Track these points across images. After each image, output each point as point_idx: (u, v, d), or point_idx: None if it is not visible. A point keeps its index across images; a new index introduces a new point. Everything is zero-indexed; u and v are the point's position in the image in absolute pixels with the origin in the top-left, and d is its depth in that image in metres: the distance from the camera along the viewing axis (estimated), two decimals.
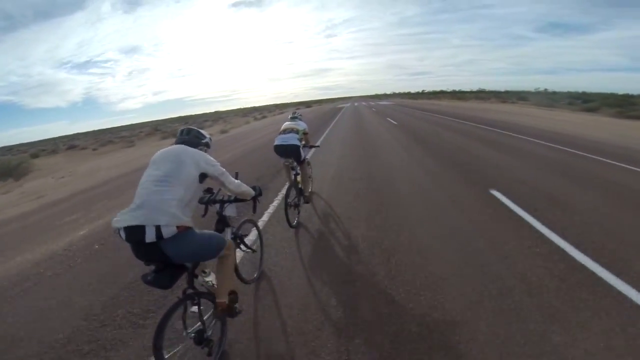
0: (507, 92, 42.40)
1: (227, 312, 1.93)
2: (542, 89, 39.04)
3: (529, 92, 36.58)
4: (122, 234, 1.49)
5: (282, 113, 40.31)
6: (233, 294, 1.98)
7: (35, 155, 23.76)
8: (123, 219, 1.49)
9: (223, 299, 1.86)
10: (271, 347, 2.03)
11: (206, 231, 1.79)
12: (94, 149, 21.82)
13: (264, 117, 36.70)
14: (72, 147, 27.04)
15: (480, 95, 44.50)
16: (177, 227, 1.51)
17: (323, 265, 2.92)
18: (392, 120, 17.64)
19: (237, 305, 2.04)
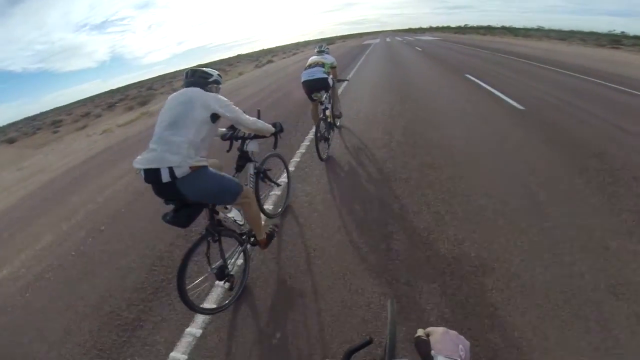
0: (572, 32, 33.84)
1: (269, 241, 2.13)
2: (617, 31, 32.03)
3: (607, 35, 28.72)
4: (142, 174, 1.56)
5: (294, 54, 31.68)
6: (271, 231, 2.19)
7: (11, 141, 19.92)
8: (140, 161, 1.55)
9: (262, 237, 2.05)
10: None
11: (222, 173, 1.79)
12: (55, 132, 18.55)
13: (270, 61, 27.75)
14: (54, 123, 24.38)
15: (548, 33, 33.70)
16: (190, 167, 1.55)
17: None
18: (510, 100, 5.89)
19: (275, 234, 2.24)
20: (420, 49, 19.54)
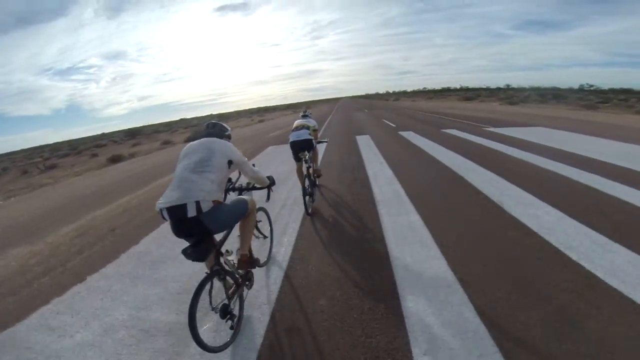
0: (499, 89, 43.65)
1: (249, 263, 2.23)
2: (585, 84, 37.80)
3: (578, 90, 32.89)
4: (165, 214, 1.71)
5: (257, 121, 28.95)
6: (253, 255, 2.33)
7: None
8: (165, 200, 1.71)
9: (245, 252, 2.18)
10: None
11: (230, 201, 2.11)
12: None
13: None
14: None
15: (516, 92, 36.30)
16: (213, 201, 1.77)
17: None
18: None
19: (256, 263, 2.37)
20: None
